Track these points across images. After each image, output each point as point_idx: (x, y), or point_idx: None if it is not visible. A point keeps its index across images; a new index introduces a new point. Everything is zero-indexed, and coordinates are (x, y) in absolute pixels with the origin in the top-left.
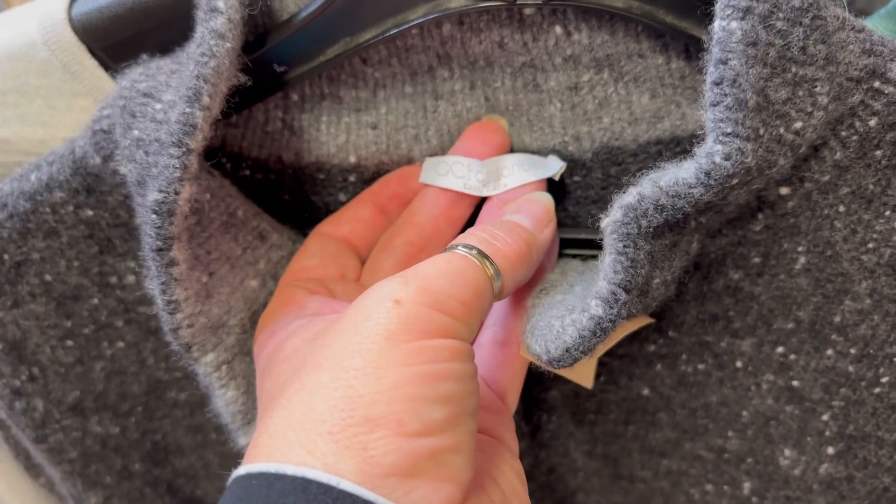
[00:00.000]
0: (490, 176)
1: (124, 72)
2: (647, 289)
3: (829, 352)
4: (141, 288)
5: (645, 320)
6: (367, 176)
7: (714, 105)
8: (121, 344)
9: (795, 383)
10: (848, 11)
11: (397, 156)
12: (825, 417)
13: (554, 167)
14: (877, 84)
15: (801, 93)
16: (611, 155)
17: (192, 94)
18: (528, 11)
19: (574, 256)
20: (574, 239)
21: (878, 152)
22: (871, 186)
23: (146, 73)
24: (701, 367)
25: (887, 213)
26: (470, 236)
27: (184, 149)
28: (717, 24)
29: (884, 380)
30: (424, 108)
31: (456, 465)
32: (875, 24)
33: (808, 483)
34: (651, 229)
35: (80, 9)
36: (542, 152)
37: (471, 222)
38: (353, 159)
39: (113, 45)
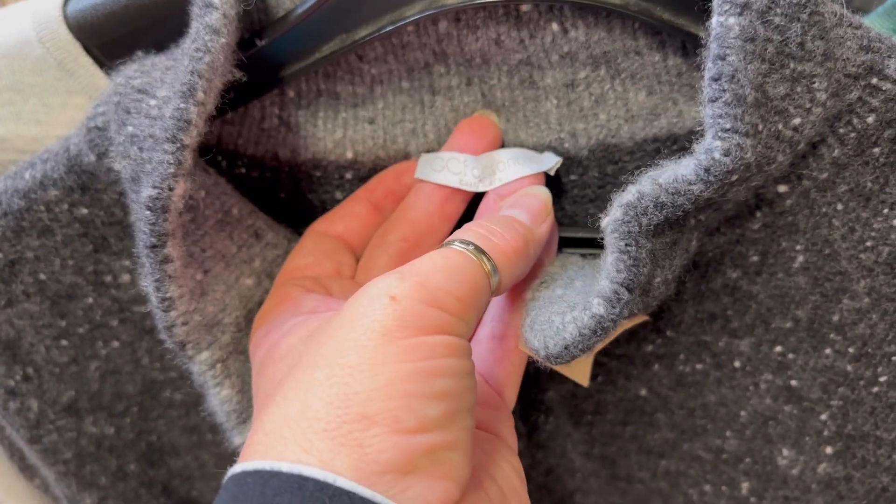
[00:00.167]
0: (485, 171)
1: (119, 69)
2: (648, 288)
3: (828, 351)
4: (136, 287)
5: (640, 317)
6: (364, 173)
7: (713, 101)
8: (115, 343)
9: (794, 383)
10: (846, 8)
11: (394, 150)
12: (823, 417)
13: (549, 162)
14: (874, 81)
15: (799, 89)
16: (607, 152)
17: (187, 89)
18: (524, 8)
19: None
20: (572, 237)
21: (876, 149)
22: (869, 184)
23: (141, 69)
24: (699, 366)
25: (885, 210)
26: (466, 232)
27: (178, 144)
28: (714, 20)
29: (882, 379)
30: (421, 102)
31: (453, 461)
32: (873, 22)
33: (807, 483)
34: (652, 227)
35: (74, 6)
36: (538, 149)
37: (465, 218)
38: (349, 155)
39: (108, 42)
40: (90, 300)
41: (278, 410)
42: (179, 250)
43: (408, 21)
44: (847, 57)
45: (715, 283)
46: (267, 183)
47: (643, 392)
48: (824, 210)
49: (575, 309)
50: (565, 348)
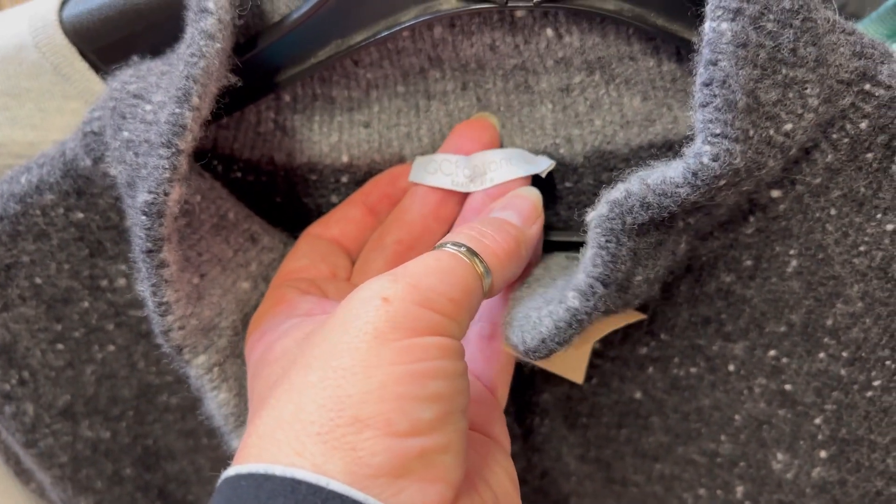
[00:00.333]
0: (476, 171)
1: (115, 74)
2: (627, 285)
3: (822, 355)
4: (132, 291)
5: (636, 316)
6: (360, 177)
7: (703, 106)
8: (111, 347)
9: (788, 387)
10: (839, 14)
11: (389, 154)
12: (818, 421)
13: (543, 164)
14: (867, 87)
15: (791, 95)
16: (602, 159)
17: (182, 94)
18: (519, 14)
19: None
20: (567, 242)
21: (869, 155)
22: (862, 189)
23: (136, 74)
24: (693, 370)
25: (878, 215)
26: (459, 234)
27: (173, 149)
28: (707, 26)
29: (876, 383)
30: (417, 107)
31: (446, 464)
32: (866, 28)
33: (801, 487)
34: (636, 226)
35: (70, 11)
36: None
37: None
38: (345, 159)
39: (104, 47)
40: (86, 304)
41: (272, 413)
42: (175, 255)
43: (403, 26)
44: (840, 63)
45: (709, 286)
46: (263, 187)
47: (638, 395)
48: (818, 215)
49: (551, 303)
50: (542, 342)
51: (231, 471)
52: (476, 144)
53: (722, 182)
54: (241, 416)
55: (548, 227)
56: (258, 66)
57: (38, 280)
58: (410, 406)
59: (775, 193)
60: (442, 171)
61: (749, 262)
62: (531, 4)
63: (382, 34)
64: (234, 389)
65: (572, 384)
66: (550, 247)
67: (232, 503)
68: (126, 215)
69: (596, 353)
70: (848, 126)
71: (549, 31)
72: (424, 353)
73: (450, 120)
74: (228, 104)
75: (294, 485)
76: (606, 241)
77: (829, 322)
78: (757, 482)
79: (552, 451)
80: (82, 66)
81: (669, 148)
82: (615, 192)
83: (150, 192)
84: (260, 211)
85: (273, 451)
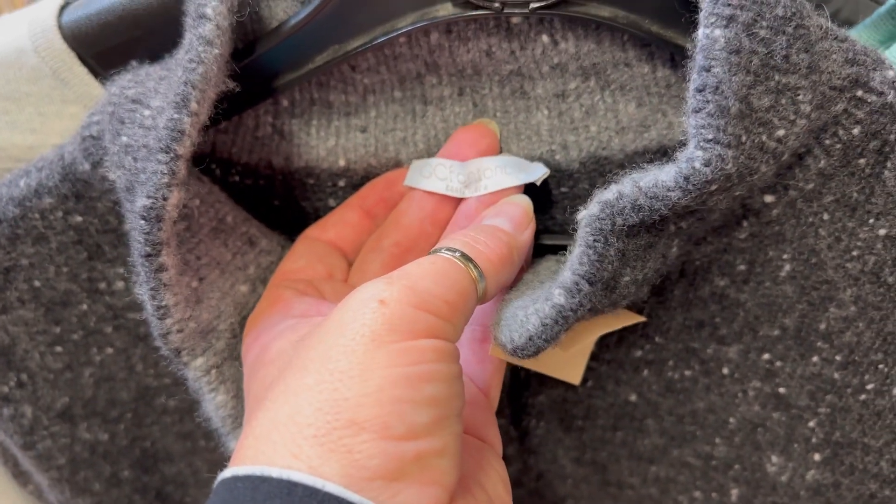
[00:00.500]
0: (471, 177)
1: (114, 78)
2: (614, 285)
3: (815, 359)
4: (130, 294)
5: (636, 318)
6: (356, 180)
7: (696, 111)
8: (110, 350)
9: (782, 390)
10: (832, 21)
11: (385, 158)
12: (812, 424)
13: (537, 172)
14: (860, 93)
15: (783, 101)
16: (598, 165)
17: (180, 99)
18: (515, 20)
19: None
20: (561, 245)
21: (862, 160)
22: (854, 194)
23: (135, 79)
24: (688, 373)
25: (871, 220)
26: (452, 240)
27: (172, 154)
28: (700, 32)
29: (869, 387)
30: (413, 112)
31: (441, 467)
32: (859, 34)
33: (796, 489)
34: (626, 228)
35: (69, 16)
36: (529, 161)
37: None
38: (342, 163)
39: (102, 52)
40: (84, 307)
41: (268, 415)
42: (174, 258)
43: (400, 32)
44: (832, 69)
45: (703, 290)
46: (261, 191)
47: (633, 397)
48: (811, 220)
49: (538, 302)
50: (529, 339)
51: (227, 472)
52: (474, 150)
53: (714, 187)
54: (238, 417)
55: (543, 231)
56: (256, 72)
57: (36, 283)
58: (407, 409)
59: (768, 198)
60: (436, 175)
61: (743, 267)
62: (527, 11)
63: (379, 40)
64: (232, 391)
65: (568, 387)
66: (545, 250)
67: None
68: (125, 219)
69: (591, 356)
70: (840, 132)
71: (545, 38)
72: (421, 356)
73: (446, 125)
74: (227, 109)
75: (290, 487)
76: (594, 240)
77: (823, 326)
78: (751, 485)
79: (548, 454)
80: (81, 71)
81: (664, 153)
82: (607, 193)
83: (148, 197)
84: (258, 214)
85: (269, 453)
